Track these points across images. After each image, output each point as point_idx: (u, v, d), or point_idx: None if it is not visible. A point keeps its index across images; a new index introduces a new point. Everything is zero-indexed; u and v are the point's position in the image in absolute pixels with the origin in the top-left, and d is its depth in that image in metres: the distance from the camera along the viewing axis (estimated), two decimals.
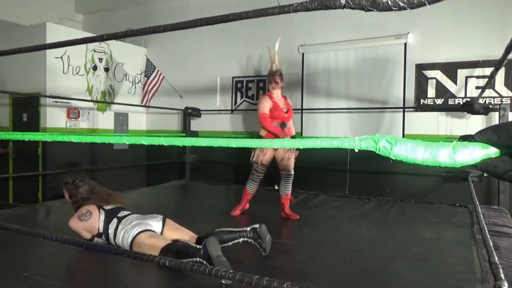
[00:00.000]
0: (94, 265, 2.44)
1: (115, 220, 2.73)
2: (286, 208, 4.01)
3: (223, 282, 2.09)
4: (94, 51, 6.35)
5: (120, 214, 2.78)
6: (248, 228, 2.63)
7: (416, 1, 0.85)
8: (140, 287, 2.20)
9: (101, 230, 2.70)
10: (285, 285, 1.07)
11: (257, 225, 2.64)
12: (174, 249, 2.39)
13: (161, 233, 2.67)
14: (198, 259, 2.26)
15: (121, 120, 6.83)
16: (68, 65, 5.97)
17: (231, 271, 1.18)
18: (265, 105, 3.89)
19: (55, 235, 1.77)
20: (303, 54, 5.93)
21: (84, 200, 2.83)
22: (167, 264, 1.30)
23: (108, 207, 2.83)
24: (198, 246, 2.32)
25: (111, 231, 2.69)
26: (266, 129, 3.87)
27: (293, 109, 6.02)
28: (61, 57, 5.87)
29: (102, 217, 2.75)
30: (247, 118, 6.39)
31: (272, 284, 1.09)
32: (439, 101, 5.15)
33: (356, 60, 5.59)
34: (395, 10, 0.88)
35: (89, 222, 2.69)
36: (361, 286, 2.29)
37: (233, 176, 6.31)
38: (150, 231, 2.62)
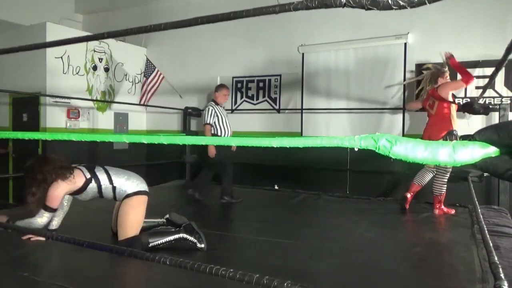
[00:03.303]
0: (93, 263, 2.44)
1: (99, 167, 2.83)
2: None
3: (198, 246, 2.71)
4: (94, 51, 6.35)
5: (98, 166, 2.87)
6: (164, 220, 3.05)
7: (416, 0, 0.85)
8: (141, 285, 2.20)
9: (88, 176, 2.74)
10: (285, 284, 1.07)
11: (167, 215, 3.04)
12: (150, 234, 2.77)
13: None
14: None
15: (121, 120, 6.83)
16: (68, 65, 5.97)
17: (231, 270, 1.18)
18: None
19: (55, 234, 1.77)
20: (303, 54, 5.93)
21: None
22: (168, 262, 1.30)
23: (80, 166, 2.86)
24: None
25: (99, 172, 2.78)
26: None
27: (293, 109, 6.06)
28: (61, 57, 5.87)
29: (83, 169, 2.79)
30: (248, 118, 6.39)
31: (272, 283, 1.09)
32: None
33: (356, 60, 5.59)
34: (396, 9, 0.88)
35: (77, 179, 2.70)
36: (361, 286, 2.29)
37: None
38: (147, 197, 2.87)
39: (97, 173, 2.77)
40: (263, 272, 1.15)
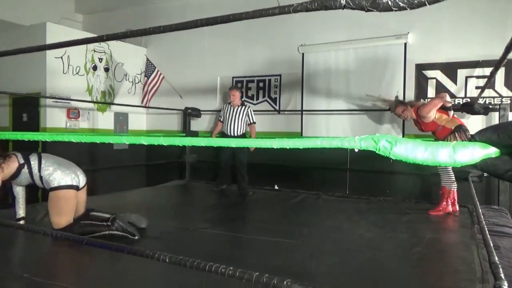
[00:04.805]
0: (93, 262, 2.44)
1: (34, 154, 2.88)
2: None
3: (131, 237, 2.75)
4: (94, 51, 6.35)
5: (35, 153, 2.92)
6: (109, 222, 2.87)
7: (416, 1, 0.85)
8: (141, 284, 2.20)
9: (21, 161, 2.80)
10: (284, 282, 1.07)
11: (113, 215, 2.87)
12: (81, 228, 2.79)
13: (81, 188, 2.94)
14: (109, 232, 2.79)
15: (121, 120, 6.82)
16: (68, 65, 5.96)
17: (231, 268, 1.18)
18: None
19: (55, 232, 1.77)
20: (303, 54, 5.92)
21: None
22: (168, 260, 1.31)
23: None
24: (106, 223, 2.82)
25: (33, 158, 2.83)
26: None
27: (293, 110, 6.05)
28: (61, 57, 5.86)
29: (19, 155, 2.85)
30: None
31: (272, 281, 1.09)
32: None
33: (356, 60, 5.59)
34: (395, 10, 0.88)
35: (10, 164, 2.75)
36: (361, 286, 2.29)
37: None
38: (76, 190, 2.87)
39: (31, 160, 2.84)
40: (263, 271, 1.15)
